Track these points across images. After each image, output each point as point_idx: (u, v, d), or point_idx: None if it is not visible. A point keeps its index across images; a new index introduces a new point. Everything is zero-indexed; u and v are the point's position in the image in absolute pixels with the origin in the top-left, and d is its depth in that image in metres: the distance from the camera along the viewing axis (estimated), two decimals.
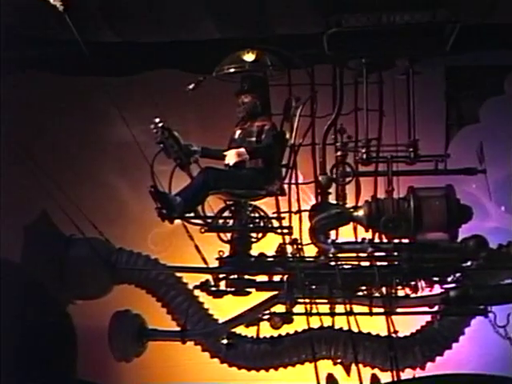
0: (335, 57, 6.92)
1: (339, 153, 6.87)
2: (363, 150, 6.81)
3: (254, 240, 6.82)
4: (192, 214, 6.59)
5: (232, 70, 6.72)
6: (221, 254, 6.76)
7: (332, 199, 6.97)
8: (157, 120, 6.40)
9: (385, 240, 6.74)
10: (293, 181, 6.98)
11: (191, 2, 6.96)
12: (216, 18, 7.12)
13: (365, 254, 6.66)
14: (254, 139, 6.71)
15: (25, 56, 7.86)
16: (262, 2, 6.96)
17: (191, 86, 6.59)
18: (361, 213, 6.74)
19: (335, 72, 7.04)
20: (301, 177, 7.18)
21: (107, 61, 7.18)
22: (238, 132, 6.85)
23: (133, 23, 7.28)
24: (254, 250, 6.83)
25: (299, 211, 7.02)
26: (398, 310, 6.76)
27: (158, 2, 7.01)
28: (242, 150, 6.54)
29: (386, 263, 6.73)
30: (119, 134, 6.73)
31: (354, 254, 6.76)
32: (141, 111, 6.80)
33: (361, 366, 6.96)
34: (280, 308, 6.87)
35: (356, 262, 6.77)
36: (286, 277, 6.80)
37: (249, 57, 6.73)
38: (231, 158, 6.50)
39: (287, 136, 6.83)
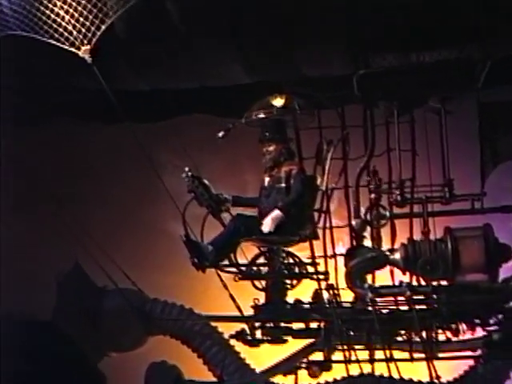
0: (365, 97, 6.98)
1: (373, 195, 6.88)
2: (397, 192, 6.85)
3: (289, 287, 6.88)
4: (225, 262, 6.66)
5: (261, 116, 6.80)
6: (256, 301, 6.81)
7: (367, 243, 6.98)
8: (186, 169, 6.56)
9: (423, 283, 6.74)
10: (327, 225, 6.92)
11: (219, 47, 7.06)
12: (245, 63, 7.20)
13: (403, 298, 6.66)
14: (283, 185, 6.80)
15: (54, 104, 8.04)
16: (291, 46, 7.01)
17: (221, 134, 6.73)
18: (397, 256, 6.77)
19: (365, 113, 7.08)
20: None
21: (136, 108, 7.32)
22: (267, 179, 6.94)
23: (161, 71, 7.42)
24: (290, 297, 6.88)
25: (334, 255, 7.02)
26: (440, 354, 6.74)
27: (185, 50, 7.11)
28: (277, 213, 6.60)
29: (425, 307, 6.71)
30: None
31: (392, 298, 6.76)
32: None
33: None
34: (318, 356, 6.91)
35: (394, 307, 6.76)
36: (323, 324, 6.83)
37: (277, 102, 6.82)
38: (268, 226, 6.58)
39: (319, 180, 6.88)
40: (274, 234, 6.64)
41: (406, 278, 6.78)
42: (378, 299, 6.69)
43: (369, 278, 6.90)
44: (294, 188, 6.75)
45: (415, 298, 6.62)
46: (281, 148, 6.83)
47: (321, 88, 7.10)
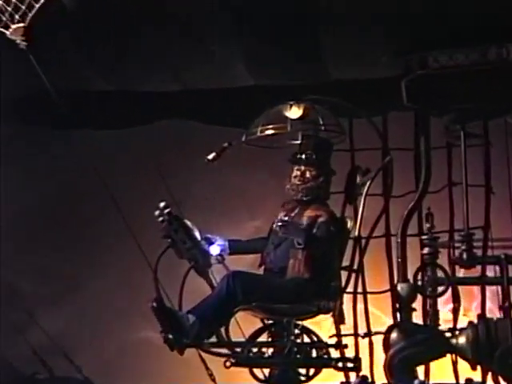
0: (418, 110, 6.08)
1: (427, 249, 5.79)
2: (463, 246, 5.81)
3: (303, 378, 5.84)
4: (213, 340, 5.62)
5: (269, 132, 5.70)
6: None
7: (418, 318, 5.99)
8: (161, 204, 5.45)
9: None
10: (359, 289, 6.10)
11: (214, 39, 6.04)
12: (248, 59, 6.22)
13: None
14: None
15: None
16: (314, 37, 5.94)
17: (211, 156, 5.76)
18: (462, 340, 5.72)
19: (418, 132, 6.16)
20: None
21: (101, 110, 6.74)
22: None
23: (134, 68, 6.40)
24: None
25: (369, 335, 6.21)
26: None
27: (165, 43, 6.06)
28: (301, 229, 5.61)
29: None
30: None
31: None
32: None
33: None
34: None
35: None
36: None
37: (293, 113, 5.74)
38: (281, 225, 5.59)
39: (349, 225, 5.76)
40: (281, 297, 5.52)
41: (476, 375, 5.75)
42: None
43: (420, 370, 5.87)
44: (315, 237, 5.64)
45: None
46: (321, 180, 5.72)
47: (354, 95, 6.14)
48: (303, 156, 5.77)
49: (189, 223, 5.60)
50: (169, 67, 6.28)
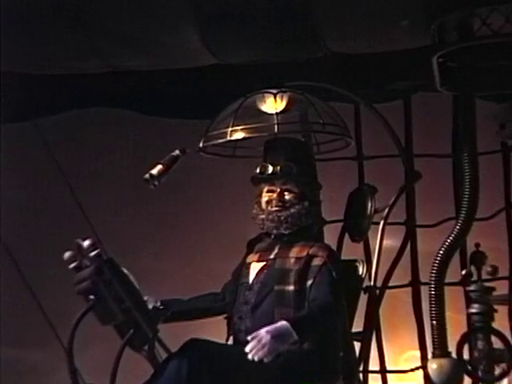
0: (458, 99, 4.69)
1: (475, 307, 4.29)
2: None
3: None
4: None
5: (239, 136, 4.25)
6: None
7: None
8: (86, 243, 3.90)
9: None
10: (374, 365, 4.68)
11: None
12: (205, 29, 4.69)
13: None
14: (291, 288, 4.14)
15: None
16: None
17: (156, 170, 4.37)
18: None
19: (457, 131, 4.79)
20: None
21: None
22: (257, 268, 4.29)
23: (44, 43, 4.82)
24: None
25: None
26: None
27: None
28: (282, 325, 3.98)
29: None
30: None
31: None
32: None
33: None
34: None
35: None
36: None
37: (274, 106, 4.39)
38: (259, 348, 3.96)
39: (361, 270, 4.37)
40: (267, 380, 4.04)
41: None
42: None
43: None
44: (315, 295, 4.07)
45: None
46: (309, 203, 4.29)
47: (360, 76, 4.77)
48: (278, 170, 4.29)
49: (127, 272, 4.07)
50: (88, 41, 4.61)
